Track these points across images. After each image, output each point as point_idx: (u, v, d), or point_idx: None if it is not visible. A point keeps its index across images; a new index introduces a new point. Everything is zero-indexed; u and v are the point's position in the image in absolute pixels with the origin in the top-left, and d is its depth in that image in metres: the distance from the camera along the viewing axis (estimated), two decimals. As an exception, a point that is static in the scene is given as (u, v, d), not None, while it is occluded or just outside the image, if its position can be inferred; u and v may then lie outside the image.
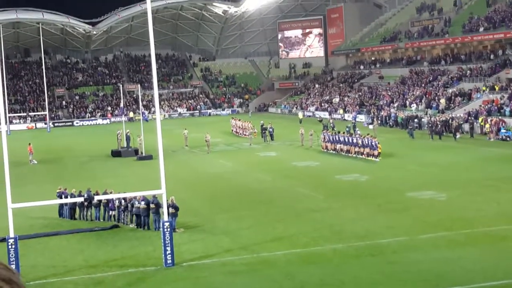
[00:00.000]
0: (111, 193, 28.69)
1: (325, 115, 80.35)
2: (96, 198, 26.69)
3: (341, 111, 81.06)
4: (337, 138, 48.88)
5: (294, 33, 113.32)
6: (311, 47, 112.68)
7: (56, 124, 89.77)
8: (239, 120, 67.37)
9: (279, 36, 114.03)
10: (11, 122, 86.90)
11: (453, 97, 66.04)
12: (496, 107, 57.94)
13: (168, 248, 21.84)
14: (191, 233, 26.46)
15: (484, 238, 23.46)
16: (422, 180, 35.75)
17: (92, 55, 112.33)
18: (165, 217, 23.09)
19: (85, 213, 30.03)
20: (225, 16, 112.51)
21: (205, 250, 23.71)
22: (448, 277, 19.44)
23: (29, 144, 51.50)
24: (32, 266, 22.41)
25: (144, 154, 49.73)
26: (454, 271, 19.97)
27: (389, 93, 78.41)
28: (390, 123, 67.37)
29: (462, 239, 23.50)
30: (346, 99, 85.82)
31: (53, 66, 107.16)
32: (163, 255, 21.92)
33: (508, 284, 18.62)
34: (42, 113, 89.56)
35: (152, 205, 26.97)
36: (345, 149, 47.45)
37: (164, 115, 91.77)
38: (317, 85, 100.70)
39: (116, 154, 52.37)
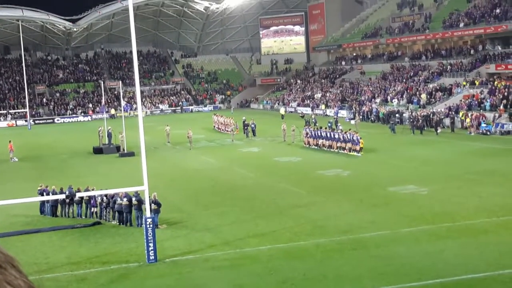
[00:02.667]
0: (93, 190, 28.58)
1: (307, 110, 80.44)
2: (78, 195, 26.59)
3: (323, 106, 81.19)
4: (319, 134, 49.00)
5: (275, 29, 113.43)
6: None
7: (36, 122, 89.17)
8: (221, 116, 67.31)
9: (261, 32, 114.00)
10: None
11: (434, 92, 66.43)
12: (476, 102, 58.34)
13: (151, 244, 21.79)
14: (173, 229, 26.41)
15: (465, 232, 23.63)
16: (403, 174, 35.94)
17: (73, 52, 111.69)
18: (148, 213, 23.03)
19: (67, 210, 29.87)
20: (206, 12, 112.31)
21: (188, 246, 23.69)
22: (430, 270, 19.54)
23: (10, 141, 51.13)
24: (18, 262, 22.20)
25: (126, 151, 49.54)
26: (436, 264, 20.09)
27: (371, 89, 78.70)
28: (372, 118, 67.65)
29: (443, 232, 23.65)
30: (328, 94, 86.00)
31: (33, 63, 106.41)
32: (146, 251, 21.87)
33: (489, 276, 18.76)
34: (23, 110, 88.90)
35: (134, 202, 26.89)
36: (327, 144, 47.57)
37: (146, 112, 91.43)
38: (299, 81, 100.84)
39: (98, 151, 52.14)
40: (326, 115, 76.21)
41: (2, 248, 1.65)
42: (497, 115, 53.92)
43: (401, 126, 58.25)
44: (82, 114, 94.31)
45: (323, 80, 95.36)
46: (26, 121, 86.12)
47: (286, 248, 22.86)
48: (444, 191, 30.70)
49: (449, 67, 71.19)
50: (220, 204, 30.74)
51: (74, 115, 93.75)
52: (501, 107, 55.08)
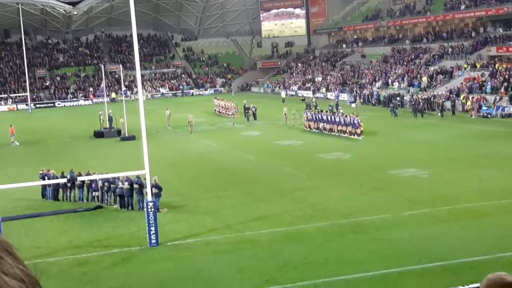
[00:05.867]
0: (94, 174, 28.61)
1: (308, 94, 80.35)
2: (79, 179, 26.61)
3: (323, 90, 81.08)
4: (320, 117, 48.99)
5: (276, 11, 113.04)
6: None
7: (37, 106, 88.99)
8: (222, 100, 67.24)
9: (261, 15, 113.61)
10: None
11: (434, 75, 66.29)
12: (477, 85, 58.25)
13: (152, 228, 21.86)
14: (175, 213, 26.48)
15: (466, 214, 23.69)
16: (404, 157, 35.94)
17: (73, 36, 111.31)
18: (149, 197, 23.07)
19: (68, 194, 29.94)
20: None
21: (189, 229, 23.76)
22: (431, 253, 19.62)
23: (11, 125, 51.14)
24: (15, 248, 22.29)
25: (127, 135, 49.57)
26: (436, 247, 20.15)
27: (372, 72, 78.54)
28: (373, 101, 67.57)
29: (444, 215, 23.70)
30: (328, 78, 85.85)
31: (34, 47, 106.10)
32: (148, 235, 21.94)
33: (490, 259, 18.81)
34: (23, 94, 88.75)
35: (135, 186, 26.93)
36: (328, 127, 47.57)
37: (147, 96, 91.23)
38: (299, 64, 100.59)
39: (98, 135, 52.16)
40: (327, 98, 76.05)
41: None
42: (498, 98, 53.86)
43: (402, 109, 58.19)
44: (83, 98, 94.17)
45: (323, 63, 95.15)
46: (27, 105, 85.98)
47: (287, 231, 22.92)
48: (445, 174, 30.73)
49: (450, 49, 71.00)
50: (221, 188, 30.78)
51: (75, 99, 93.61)
52: (502, 89, 54.98)
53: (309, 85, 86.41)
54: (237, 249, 21.41)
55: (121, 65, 76.68)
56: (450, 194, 26.66)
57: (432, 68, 68.58)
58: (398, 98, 61.93)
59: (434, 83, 64.99)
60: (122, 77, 63.80)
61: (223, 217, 25.27)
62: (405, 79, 70.04)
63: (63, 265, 20.64)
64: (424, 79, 66.37)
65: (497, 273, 2.17)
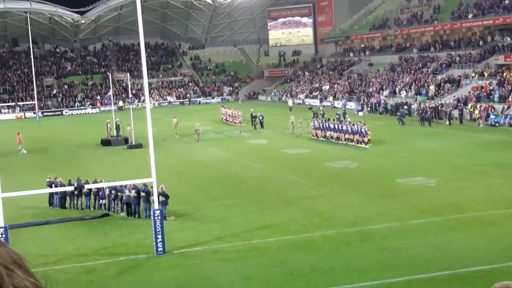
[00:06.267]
0: (101, 181, 28.64)
1: (315, 102, 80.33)
2: (86, 186, 26.64)
3: (331, 98, 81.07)
4: (327, 125, 48.95)
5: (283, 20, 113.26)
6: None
7: (45, 114, 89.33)
8: (229, 108, 67.30)
9: (269, 23, 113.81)
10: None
11: (442, 84, 66.21)
12: (485, 93, 58.14)
13: (159, 236, 21.86)
14: (182, 221, 26.46)
15: (473, 223, 23.59)
16: (412, 166, 35.87)
17: (81, 44, 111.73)
18: (156, 205, 23.08)
19: (75, 202, 29.97)
20: (214, 4, 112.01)
21: (196, 237, 23.74)
22: (438, 262, 19.53)
23: (18, 133, 51.28)
24: (26, 260, 22.31)
25: (134, 143, 49.64)
26: (444, 256, 20.07)
27: (379, 80, 78.50)
28: (380, 110, 67.50)
29: (452, 224, 23.62)
30: (335, 86, 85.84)
31: (42, 56, 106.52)
32: (154, 243, 21.94)
33: (498, 268, 18.73)
34: (31, 102, 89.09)
35: (142, 194, 26.94)
36: (335, 136, 47.53)
37: (154, 104, 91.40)
38: (306, 73, 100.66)
39: (106, 143, 52.27)
40: (334, 107, 76.04)
41: (9, 247, 1.65)
42: (506, 106, 53.73)
43: (409, 118, 58.12)
44: (90, 106, 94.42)
45: (331, 72, 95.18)
46: (34, 113, 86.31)
47: (293, 240, 22.88)
48: (453, 183, 30.64)
49: (457, 58, 70.90)
50: (228, 196, 30.76)
51: (82, 107, 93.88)
52: (510, 98, 54.86)
53: (316, 93, 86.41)
54: (243, 257, 21.38)
55: (128, 74, 76.99)
56: (457, 203, 26.57)
57: (439, 77, 68.48)
58: (405, 107, 61.88)
59: (441, 91, 64.89)
60: (129, 86, 63.94)
61: (230, 225, 25.25)
62: (412, 87, 69.96)
63: (70, 272, 20.64)
64: (432, 87, 66.30)
65: (504, 282, 2.18)
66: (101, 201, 29.28)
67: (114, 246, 23.37)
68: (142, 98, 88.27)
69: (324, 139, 48.51)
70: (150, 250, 22.09)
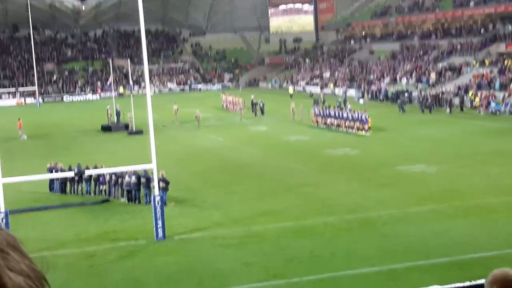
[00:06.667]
0: (101, 167, 28.63)
1: (315, 89, 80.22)
2: (87, 172, 26.61)
3: (331, 85, 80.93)
4: (327, 113, 48.89)
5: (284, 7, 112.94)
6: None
7: (45, 100, 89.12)
8: (230, 95, 67.21)
9: (270, 10, 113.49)
10: (0, 98, 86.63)
11: (443, 72, 66.12)
12: (486, 81, 58.05)
13: (159, 222, 21.89)
14: (182, 207, 26.49)
15: (474, 211, 23.62)
16: (412, 153, 35.86)
17: (81, 31, 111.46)
18: (156, 191, 23.09)
19: (75, 187, 30.00)
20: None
21: (196, 223, 23.76)
22: (438, 249, 19.55)
23: (19, 119, 51.24)
24: (23, 240, 22.34)
25: (134, 129, 49.61)
26: (444, 243, 20.09)
27: (380, 68, 78.38)
28: (381, 97, 67.43)
29: (452, 211, 23.64)
30: (336, 73, 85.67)
31: (42, 42, 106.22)
32: (154, 229, 21.96)
33: (498, 255, 18.75)
34: (32, 88, 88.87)
35: (142, 180, 26.94)
36: (335, 123, 47.49)
37: (154, 91, 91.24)
38: (307, 60, 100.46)
39: (106, 129, 52.25)
40: (335, 94, 75.93)
41: (4, 229, 1.62)
42: (506, 94, 53.66)
43: (410, 106, 58.07)
44: (91, 92, 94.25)
45: (332, 59, 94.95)
46: (35, 99, 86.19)
47: (294, 226, 22.89)
48: (453, 170, 30.65)
49: (459, 46, 70.76)
50: (228, 183, 30.77)
51: (83, 93, 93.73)
52: (511, 86, 54.77)
53: (317, 81, 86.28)
54: (244, 243, 21.40)
55: (129, 60, 76.52)
56: (458, 190, 26.59)
57: (440, 65, 68.39)
58: (406, 94, 61.81)
59: (442, 79, 64.81)
60: (130, 72, 63.81)
61: (230, 212, 25.27)
62: (413, 75, 69.86)
63: (70, 258, 20.68)
64: (433, 75, 66.21)
65: (502, 269, 2.18)
66: (101, 186, 29.29)
67: (114, 231, 23.40)
68: (143, 84, 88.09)
69: (324, 126, 48.47)
70: (150, 235, 22.11)
